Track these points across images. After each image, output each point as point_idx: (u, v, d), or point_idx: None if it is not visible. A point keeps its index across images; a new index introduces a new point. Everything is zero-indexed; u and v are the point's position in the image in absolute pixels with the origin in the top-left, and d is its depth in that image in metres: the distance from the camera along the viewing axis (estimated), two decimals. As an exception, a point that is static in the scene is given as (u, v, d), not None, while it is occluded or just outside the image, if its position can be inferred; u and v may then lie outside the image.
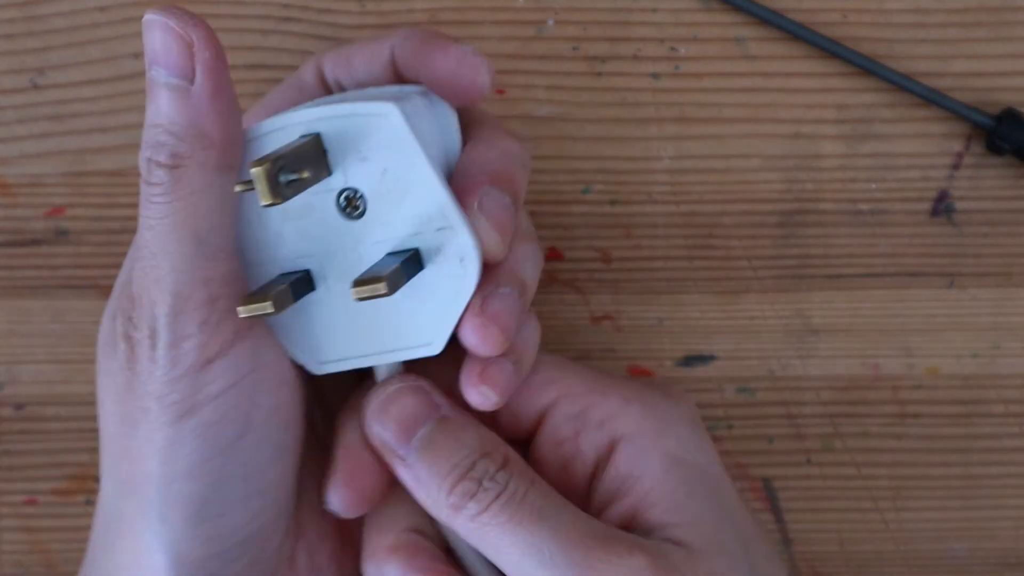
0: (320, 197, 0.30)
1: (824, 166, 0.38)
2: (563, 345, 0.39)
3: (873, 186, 0.38)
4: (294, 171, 0.28)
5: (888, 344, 0.39)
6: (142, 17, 0.37)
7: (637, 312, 0.39)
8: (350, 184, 0.29)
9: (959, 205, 0.38)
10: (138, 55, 0.37)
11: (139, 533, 0.29)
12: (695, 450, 0.32)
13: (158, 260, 0.28)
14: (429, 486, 0.30)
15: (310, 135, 0.29)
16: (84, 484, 0.39)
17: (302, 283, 0.30)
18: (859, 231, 0.38)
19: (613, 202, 0.38)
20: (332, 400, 0.34)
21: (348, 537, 0.33)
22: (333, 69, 0.33)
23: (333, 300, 0.30)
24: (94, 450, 0.39)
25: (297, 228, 0.30)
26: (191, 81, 0.28)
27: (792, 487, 0.39)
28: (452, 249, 0.29)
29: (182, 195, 0.28)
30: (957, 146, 0.38)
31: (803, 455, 0.39)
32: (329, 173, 0.29)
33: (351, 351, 0.31)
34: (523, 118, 0.38)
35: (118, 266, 0.38)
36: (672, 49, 0.38)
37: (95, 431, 0.39)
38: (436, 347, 0.30)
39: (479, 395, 0.30)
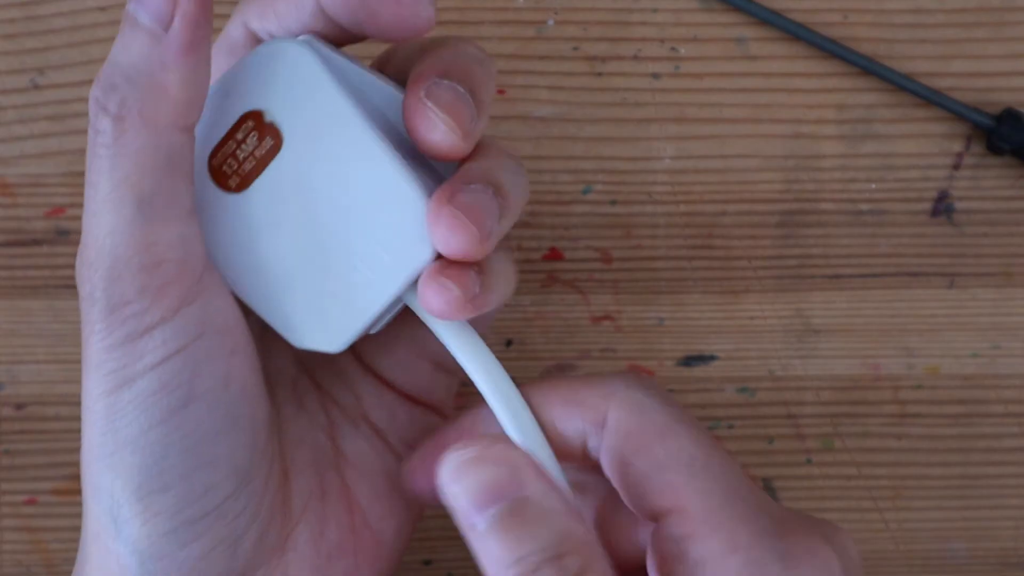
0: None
1: (824, 166, 0.38)
2: (563, 345, 0.39)
3: (873, 186, 0.38)
4: None
5: (888, 344, 0.39)
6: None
7: (637, 312, 0.39)
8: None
9: (959, 205, 0.38)
10: (138, 55, 0.38)
11: (91, 511, 0.28)
12: None
13: (100, 219, 0.26)
14: (490, 568, 0.27)
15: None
16: (84, 484, 0.39)
17: None
18: (859, 231, 0.38)
19: (613, 202, 0.38)
20: (324, 376, 0.32)
21: (360, 522, 0.31)
22: (260, 21, 0.30)
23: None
24: (94, 450, 0.39)
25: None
26: (165, 29, 0.26)
27: (792, 487, 0.39)
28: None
29: (126, 151, 0.26)
30: (957, 146, 0.38)
31: (803, 455, 0.39)
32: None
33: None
34: (523, 118, 0.38)
35: (118, 266, 0.38)
36: (672, 49, 0.38)
37: (95, 431, 0.39)
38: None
39: (439, 287, 0.27)
